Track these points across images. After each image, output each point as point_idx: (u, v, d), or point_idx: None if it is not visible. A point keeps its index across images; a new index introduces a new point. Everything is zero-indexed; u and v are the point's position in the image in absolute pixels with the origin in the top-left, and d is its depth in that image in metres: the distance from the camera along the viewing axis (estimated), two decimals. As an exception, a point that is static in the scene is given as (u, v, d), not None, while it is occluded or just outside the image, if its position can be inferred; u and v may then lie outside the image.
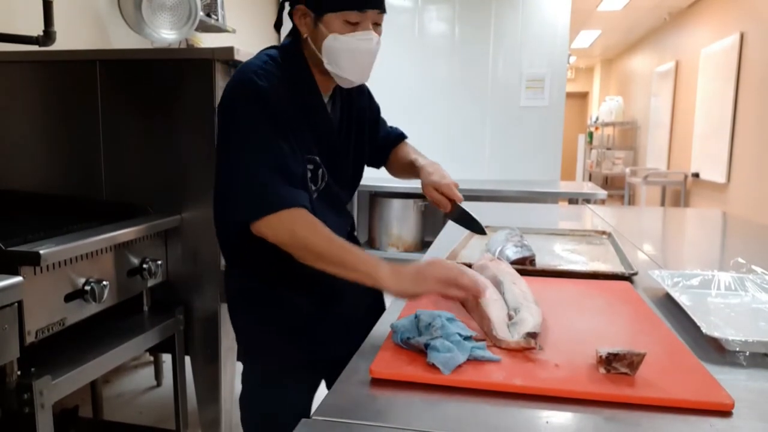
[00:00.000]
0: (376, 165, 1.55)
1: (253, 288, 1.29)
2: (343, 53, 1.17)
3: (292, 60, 1.23)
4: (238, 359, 1.35)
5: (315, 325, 1.29)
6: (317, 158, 1.25)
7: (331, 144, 1.29)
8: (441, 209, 1.36)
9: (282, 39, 1.32)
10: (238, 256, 1.31)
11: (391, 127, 1.56)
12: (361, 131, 1.41)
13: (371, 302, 1.45)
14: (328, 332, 1.30)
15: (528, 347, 0.88)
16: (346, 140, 1.36)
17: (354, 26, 1.16)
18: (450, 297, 1.05)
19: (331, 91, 1.30)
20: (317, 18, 1.16)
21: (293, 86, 1.21)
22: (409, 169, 1.47)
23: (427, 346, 0.84)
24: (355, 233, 1.53)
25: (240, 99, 1.16)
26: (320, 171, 1.26)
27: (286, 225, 1.09)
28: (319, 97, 1.27)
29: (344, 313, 1.34)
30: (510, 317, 0.97)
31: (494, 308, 0.98)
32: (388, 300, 1.26)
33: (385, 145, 1.53)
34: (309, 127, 1.23)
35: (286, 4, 1.24)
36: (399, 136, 1.55)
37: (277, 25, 1.32)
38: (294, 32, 1.26)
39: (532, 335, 0.89)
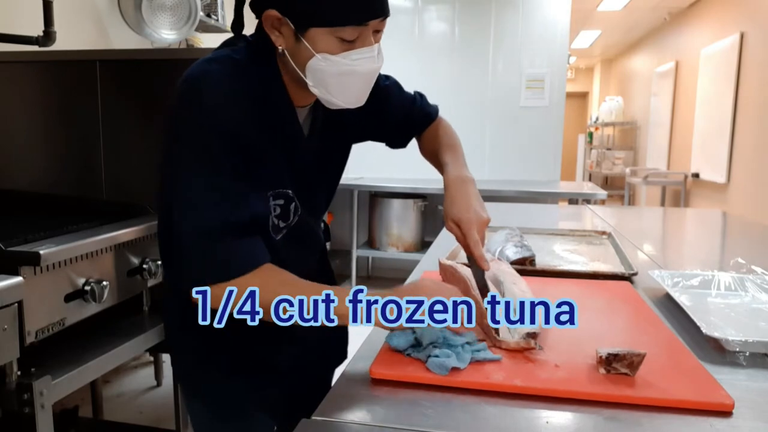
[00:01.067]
0: (397, 146, 1.32)
1: (201, 326, 1.04)
2: (335, 77, 0.91)
3: (262, 64, 0.97)
4: (186, 392, 1.20)
5: (267, 353, 1.13)
6: (289, 192, 1.03)
7: (308, 173, 1.08)
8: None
9: None
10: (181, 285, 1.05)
11: (418, 101, 1.26)
12: (346, 148, 1.20)
13: (335, 338, 1.32)
14: (281, 360, 1.15)
15: (528, 347, 0.88)
16: (324, 165, 1.14)
17: (351, 44, 0.89)
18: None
19: (309, 105, 1.05)
20: (299, 32, 0.88)
21: (262, 101, 0.95)
22: (438, 168, 1.20)
23: (428, 359, 0.83)
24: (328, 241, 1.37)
25: (190, 125, 0.90)
26: (292, 205, 1.05)
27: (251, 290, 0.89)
28: (293, 118, 1.01)
29: (304, 351, 1.19)
30: None
31: None
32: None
33: (409, 129, 1.27)
34: (281, 152, 1.00)
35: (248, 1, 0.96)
36: (425, 118, 1.27)
37: (236, 27, 1.00)
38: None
39: (532, 335, 0.89)
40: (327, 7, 0.86)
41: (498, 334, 0.91)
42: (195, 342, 1.11)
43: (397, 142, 1.31)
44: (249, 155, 0.93)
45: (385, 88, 1.20)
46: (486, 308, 0.96)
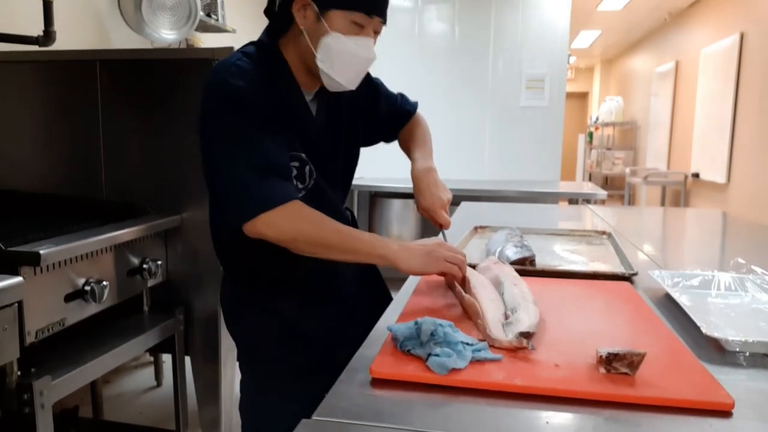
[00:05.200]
0: (388, 141, 1.52)
1: (248, 295, 1.27)
2: (341, 55, 1.13)
3: (270, 57, 1.18)
4: (238, 360, 1.34)
5: (312, 332, 1.26)
6: (303, 155, 1.20)
7: (317, 142, 1.24)
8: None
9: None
10: (232, 261, 1.29)
11: (399, 99, 1.47)
12: (353, 132, 1.35)
13: (371, 301, 1.40)
14: (326, 338, 1.27)
15: (520, 347, 0.88)
16: (335, 141, 1.30)
17: (359, 29, 1.13)
18: (452, 274, 1.12)
19: (315, 90, 1.25)
20: (321, 12, 1.11)
21: (271, 84, 1.15)
22: (407, 154, 1.44)
23: (428, 356, 0.83)
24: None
25: (216, 102, 1.11)
26: (307, 168, 1.21)
27: (287, 220, 1.07)
28: (299, 94, 1.21)
29: (342, 317, 1.31)
30: (506, 317, 0.97)
31: (490, 307, 0.99)
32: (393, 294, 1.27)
33: (394, 123, 1.47)
34: (290, 125, 1.19)
35: None
36: (406, 114, 1.48)
37: (269, 12, 1.21)
38: (272, 27, 1.21)
39: (526, 335, 0.89)
40: None
41: (491, 332, 0.91)
42: (247, 315, 1.27)
43: (386, 135, 1.49)
44: (264, 118, 1.11)
45: (376, 83, 1.42)
46: (481, 307, 0.97)
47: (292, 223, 1.07)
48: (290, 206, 1.07)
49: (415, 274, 1.16)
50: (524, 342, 0.88)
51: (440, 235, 1.31)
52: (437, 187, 1.31)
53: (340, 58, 1.13)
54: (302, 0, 1.12)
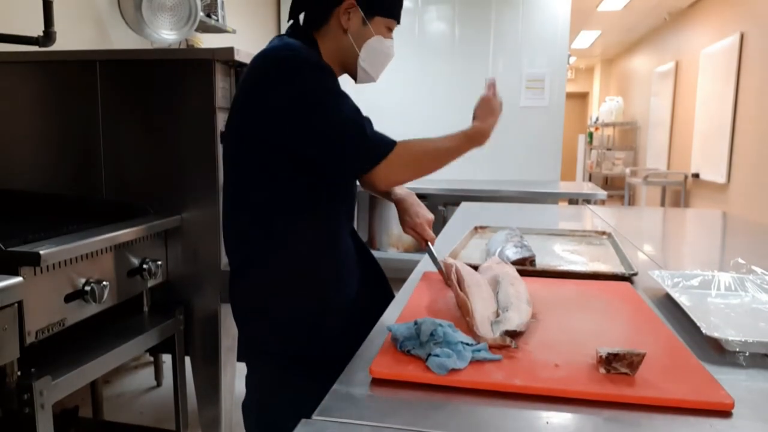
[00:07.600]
0: None
1: (261, 293, 1.27)
2: (380, 55, 1.31)
3: (310, 46, 1.27)
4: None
5: (323, 329, 1.26)
6: None
7: None
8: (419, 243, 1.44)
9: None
10: (246, 258, 1.27)
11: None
12: None
13: (377, 300, 1.39)
14: (337, 337, 1.26)
15: (503, 345, 0.88)
16: None
17: (389, 33, 1.32)
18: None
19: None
20: (367, 18, 1.27)
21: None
22: (384, 194, 1.52)
23: (428, 357, 0.83)
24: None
25: (295, 65, 1.17)
26: None
27: (405, 156, 1.19)
28: (337, 81, 1.30)
29: (354, 314, 1.31)
30: (497, 315, 0.98)
31: (480, 305, 1.00)
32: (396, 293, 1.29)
33: None
34: None
35: None
36: None
37: (294, 12, 1.30)
38: (295, 26, 1.30)
39: (511, 333, 0.89)
40: (390, 5, 1.32)
41: (478, 330, 0.91)
42: (262, 315, 1.28)
43: None
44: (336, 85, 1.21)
45: None
46: (471, 305, 0.97)
47: (410, 157, 1.21)
48: (399, 145, 1.19)
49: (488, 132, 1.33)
50: (508, 340, 0.88)
51: (427, 250, 1.41)
52: (420, 207, 1.46)
53: (379, 57, 1.31)
54: (348, 5, 1.24)
